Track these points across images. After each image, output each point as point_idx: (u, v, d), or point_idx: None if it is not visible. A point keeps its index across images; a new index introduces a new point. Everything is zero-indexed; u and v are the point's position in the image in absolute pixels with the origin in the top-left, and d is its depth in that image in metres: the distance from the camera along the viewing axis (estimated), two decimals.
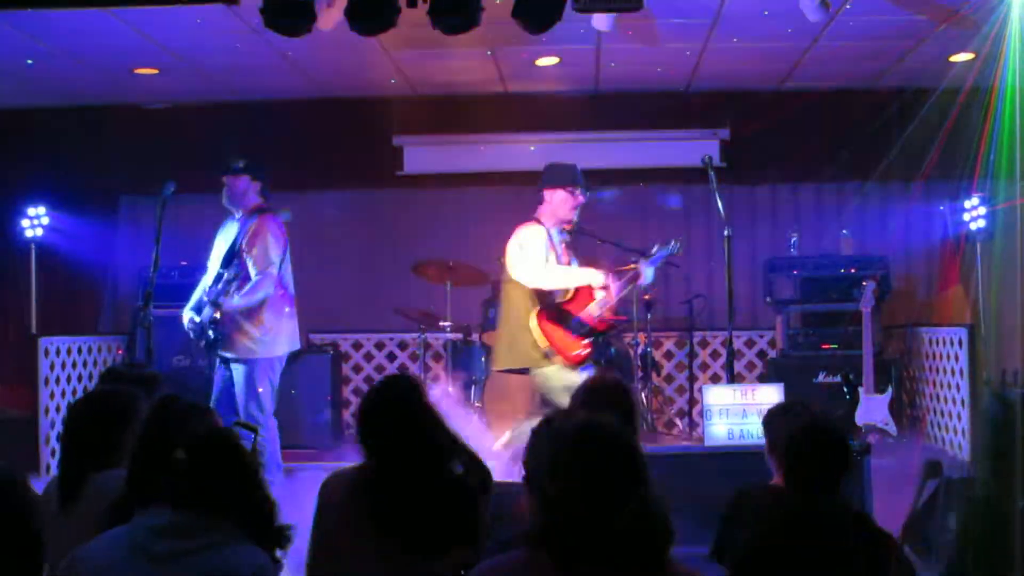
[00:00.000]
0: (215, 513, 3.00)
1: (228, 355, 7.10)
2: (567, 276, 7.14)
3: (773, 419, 4.12)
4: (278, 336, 7.21)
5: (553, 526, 2.47)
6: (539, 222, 7.23)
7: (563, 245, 7.31)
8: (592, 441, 2.53)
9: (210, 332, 7.02)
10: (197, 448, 3.10)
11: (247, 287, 7.03)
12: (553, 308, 7.03)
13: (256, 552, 3.05)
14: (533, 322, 6.93)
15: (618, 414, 3.93)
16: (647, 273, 7.22)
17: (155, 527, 2.97)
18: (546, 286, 7.09)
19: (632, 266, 7.28)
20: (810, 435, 3.81)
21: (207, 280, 7.23)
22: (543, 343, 6.90)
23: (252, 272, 7.07)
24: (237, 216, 7.28)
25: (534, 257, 7.06)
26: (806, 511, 3.60)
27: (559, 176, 7.32)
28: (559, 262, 7.17)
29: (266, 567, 3.06)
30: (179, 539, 2.95)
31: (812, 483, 3.71)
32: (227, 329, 7.06)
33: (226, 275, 7.08)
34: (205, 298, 7.11)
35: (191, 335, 7.19)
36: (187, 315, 7.18)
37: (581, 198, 7.26)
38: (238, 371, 7.10)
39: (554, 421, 2.80)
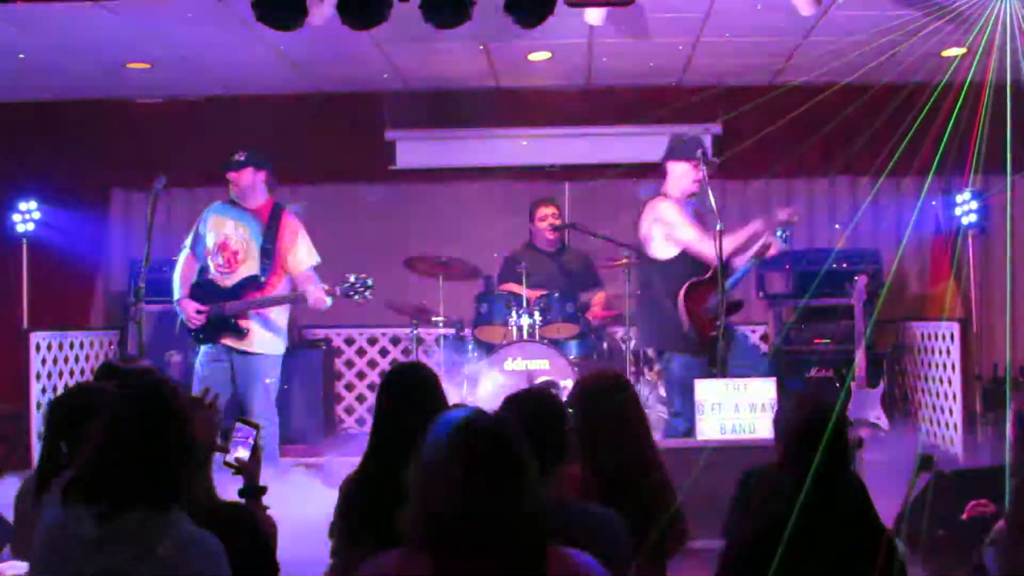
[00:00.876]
0: (145, 489, 2.88)
1: (250, 350, 7.16)
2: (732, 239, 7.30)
3: (781, 411, 4.14)
4: (287, 332, 7.47)
5: (428, 523, 2.42)
6: (666, 196, 7.43)
7: (693, 214, 7.47)
8: (467, 437, 2.46)
9: (233, 324, 7.11)
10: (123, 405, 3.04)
11: (314, 282, 7.33)
12: (694, 287, 7.18)
13: (194, 534, 2.91)
14: (679, 302, 7.07)
15: (613, 410, 3.93)
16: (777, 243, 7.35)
17: (86, 510, 2.85)
18: (705, 250, 7.22)
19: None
20: (811, 419, 3.82)
21: (214, 271, 7.25)
22: (686, 323, 7.01)
23: (294, 267, 7.35)
24: (246, 208, 7.30)
25: (682, 222, 7.33)
26: (810, 491, 3.63)
27: (681, 149, 7.47)
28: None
29: (208, 547, 2.91)
30: (103, 553, 2.81)
31: (806, 473, 3.72)
32: (254, 323, 7.16)
33: (262, 277, 7.19)
34: (211, 287, 7.22)
35: (195, 323, 7.18)
36: (191, 305, 7.18)
37: (703, 170, 7.31)
38: (253, 364, 7.17)
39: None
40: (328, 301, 7.27)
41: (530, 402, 3.52)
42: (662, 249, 7.39)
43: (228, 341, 7.20)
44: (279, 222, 7.34)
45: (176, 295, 7.29)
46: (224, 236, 7.29)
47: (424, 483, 2.45)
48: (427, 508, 2.43)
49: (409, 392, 3.96)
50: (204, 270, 7.37)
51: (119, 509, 2.82)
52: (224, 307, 7.16)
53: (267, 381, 7.24)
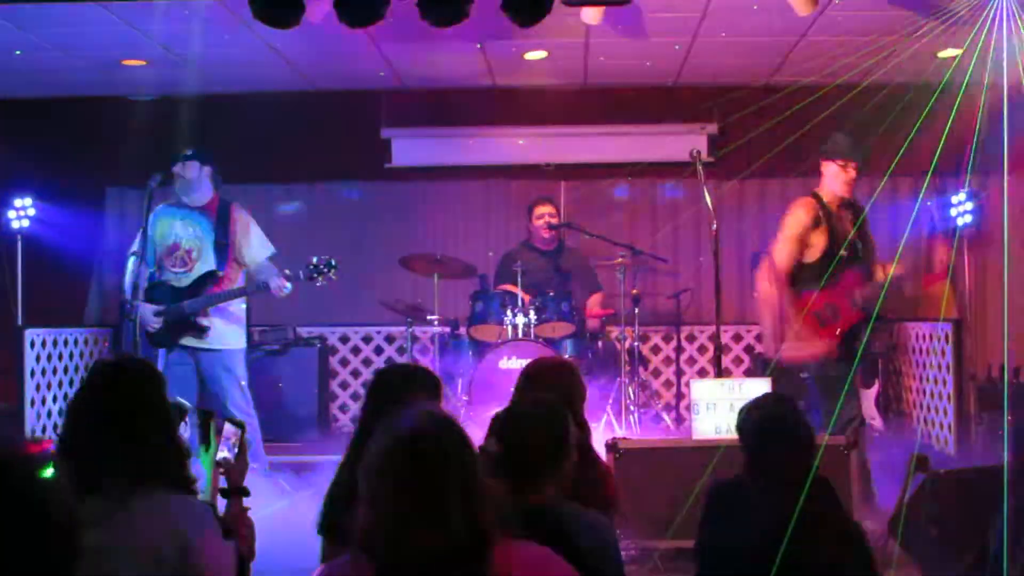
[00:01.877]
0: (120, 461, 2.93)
1: (214, 347, 7.15)
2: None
3: (742, 414, 4.13)
4: (244, 326, 7.48)
5: (373, 530, 2.37)
6: (813, 195, 7.03)
7: (847, 219, 7.01)
8: (414, 444, 2.39)
9: (194, 323, 7.09)
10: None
11: (267, 273, 7.22)
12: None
13: (178, 500, 2.96)
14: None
15: (559, 394, 3.93)
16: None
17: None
18: (778, 262, 6.87)
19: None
20: (766, 427, 3.83)
21: (168, 272, 7.28)
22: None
23: (251, 260, 7.31)
24: (193, 207, 7.29)
25: (783, 237, 6.90)
26: (767, 505, 3.62)
27: (832, 149, 7.15)
28: (835, 237, 6.85)
29: (195, 509, 2.98)
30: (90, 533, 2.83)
31: (770, 476, 3.72)
32: (215, 319, 7.15)
33: (219, 271, 7.18)
34: (168, 289, 7.22)
35: (154, 326, 7.17)
36: (148, 308, 7.17)
37: (852, 173, 7.00)
38: (220, 360, 7.17)
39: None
40: (288, 286, 7.17)
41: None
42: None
43: (189, 341, 7.19)
44: (229, 216, 7.35)
45: (129, 301, 7.21)
46: (174, 238, 7.31)
47: (366, 489, 2.40)
48: (367, 515, 2.38)
49: (393, 395, 3.92)
50: (154, 273, 7.35)
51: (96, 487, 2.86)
52: (183, 306, 7.14)
53: (243, 381, 7.26)
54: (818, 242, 6.86)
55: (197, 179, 7.30)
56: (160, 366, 7.26)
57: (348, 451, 3.93)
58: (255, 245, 7.39)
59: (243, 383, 7.30)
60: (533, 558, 2.55)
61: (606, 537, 3.34)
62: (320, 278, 7.19)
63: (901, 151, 9.18)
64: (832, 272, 6.81)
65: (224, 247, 7.25)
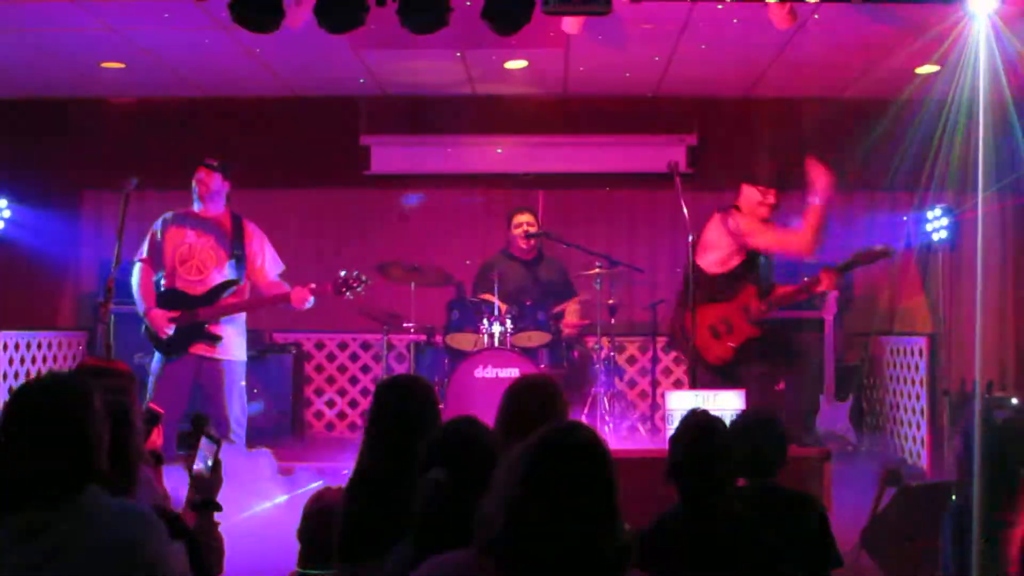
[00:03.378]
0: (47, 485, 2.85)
1: (223, 356, 7.19)
2: None
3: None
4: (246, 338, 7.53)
5: (513, 534, 2.32)
6: (735, 208, 7.56)
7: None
8: (578, 456, 2.39)
9: (207, 332, 7.13)
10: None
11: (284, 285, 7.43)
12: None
13: (117, 503, 2.91)
14: None
15: (541, 410, 3.94)
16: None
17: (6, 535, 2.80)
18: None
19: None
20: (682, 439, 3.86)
21: (183, 280, 7.24)
22: None
23: (266, 276, 7.48)
24: (205, 216, 7.31)
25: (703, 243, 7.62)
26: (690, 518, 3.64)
27: (755, 175, 7.60)
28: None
29: (135, 512, 2.91)
30: (27, 543, 2.77)
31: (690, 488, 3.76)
32: (228, 328, 7.19)
33: (240, 282, 7.34)
34: (181, 295, 7.21)
35: (165, 331, 7.15)
36: (148, 310, 7.17)
37: (772, 199, 7.53)
38: (225, 370, 7.21)
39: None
40: (311, 300, 7.27)
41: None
42: None
43: (199, 350, 7.19)
44: (243, 229, 7.46)
45: (142, 306, 7.27)
46: (187, 246, 7.33)
47: (512, 495, 2.36)
48: (511, 519, 2.34)
49: (402, 407, 3.91)
50: (164, 281, 7.36)
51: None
52: (198, 313, 7.16)
53: (242, 384, 7.29)
54: (724, 254, 7.21)
55: (218, 191, 7.39)
56: (154, 370, 7.29)
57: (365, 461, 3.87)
58: (268, 261, 7.53)
59: (244, 392, 7.35)
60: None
61: None
62: (349, 293, 7.28)
63: (872, 166, 9.26)
64: (731, 286, 7.07)
65: (241, 259, 7.36)
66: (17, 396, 2.96)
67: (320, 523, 3.99)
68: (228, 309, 7.27)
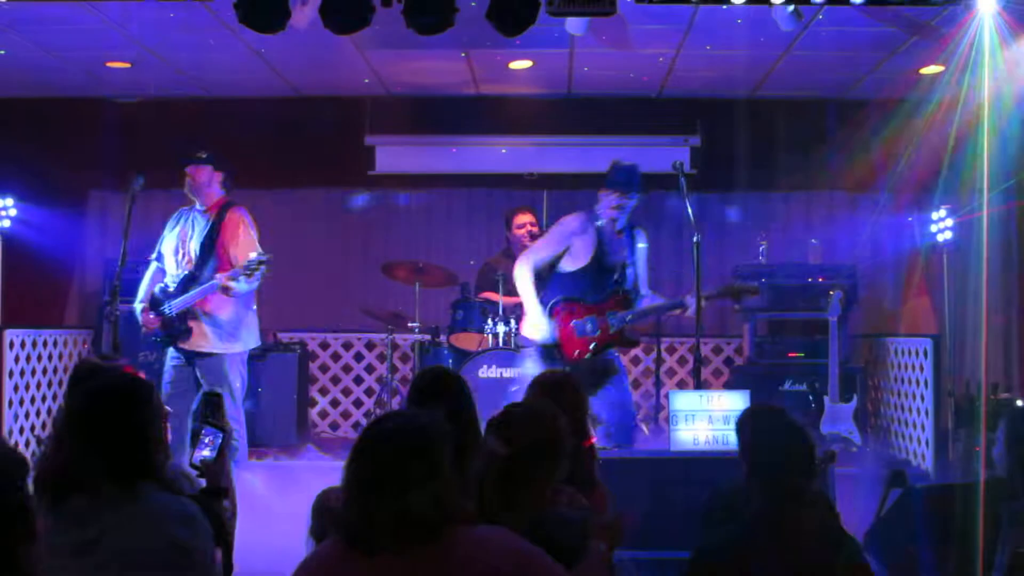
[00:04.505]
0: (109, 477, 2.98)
1: (201, 349, 7.10)
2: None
3: (744, 422, 4.13)
4: (250, 329, 7.32)
5: (351, 514, 2.67)
6: (589, 212, 7.31)
7: (622, 243, 7.29)
8: (382, 432, 2.75)
9: (178, 325, 7.06)
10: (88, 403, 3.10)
11: (246, 276, 6.97)
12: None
13: (171, 499, 3.03)
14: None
15: (562, 408, 3.97)
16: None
17: (64, 518, 2.96)
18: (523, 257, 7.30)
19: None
20: (777, 438, 3.83)
21: (171, 275, 7.20)
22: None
23: (235, 261, 7.08)
24: (200, 209, 7.28)
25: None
26: (771, 513, 3.63)
27: (613, 179, 7.29)
28: (600, 255, 7.17)
29: (186, 511, 3.04)
30: (84, 526, 2.93)
31: (776, 486, 3.72)
32: (197, 323, 7.10)
33: (203, 274, 7.13)
34: (163, 291, 7.14)
35: (150, 327, 7.15)
36: (140, 307, 7.16)
37: (628, 202, 7.24)
38: (210, 366, 7.09)
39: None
40: (233, 284, 6.93)
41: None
42: None
43: (181, 344, 7.14)
44: (223, 216, 7.24)
45: (137, 302, 7.24)
46: (179, 240, 7.27)
47: (346, 478, 2.73)
48: (348, 501, 2.70)
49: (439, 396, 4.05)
50: (163, 275, 7.31)
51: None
52: (163, 309, 7.11)
53: (236, 385, 7.19)
54: (580, 253, 7.11)
55: (207, 183, 7.25)
56: (165, 368, 7.25)
57: None
58: (241, 246, 7.16)
59: (235, 388, 7.19)
60: (488, 539, 2.75)
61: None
62: (249, 275, 6.93)
63: (877, 166, 9.26)
64: (601, 288, 7.07)
65: (210, 247, 7.14)
66: (82, 393, 3.07)
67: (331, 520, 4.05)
68: (185, 302, 7.04)
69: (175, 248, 7.27)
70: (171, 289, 7.14)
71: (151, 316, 7.12)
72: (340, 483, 2.72)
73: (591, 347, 7.06)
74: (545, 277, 7.23)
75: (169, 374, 7.19)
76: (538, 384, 4.54)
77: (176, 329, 7.10)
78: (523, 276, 7.10)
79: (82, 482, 2.98)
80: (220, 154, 7.42)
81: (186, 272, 7.17)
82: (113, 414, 3.08)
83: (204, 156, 7.28)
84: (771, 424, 3.90)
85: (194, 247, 7.21)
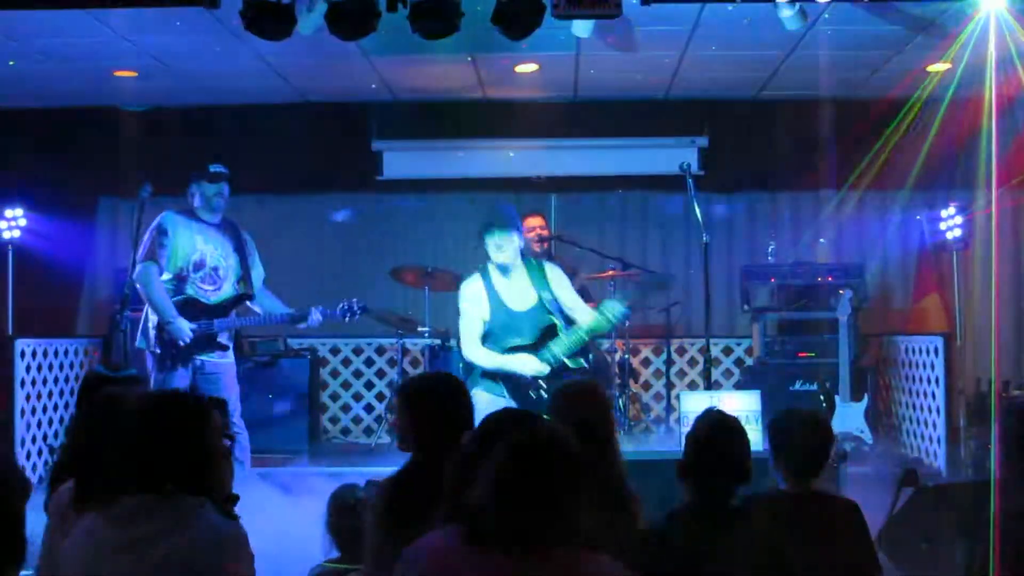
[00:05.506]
0: (170, 484, 3.04)
1: (224, 360, 7.16)
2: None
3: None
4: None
5: (494, 512, 2.74)
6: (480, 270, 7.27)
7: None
8: (541, 440, 2.84)
9: (217, 339, 7.15)
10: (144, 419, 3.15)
11: (269, 297, 7.45)
12: None
13: (224, 522, 3.09)
14: None
15: (591, 415, 3.97)
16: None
17: (115, 515, 3.01)
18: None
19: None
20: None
21: (193, 287, 7.19)
22: None
23: (257, 283, 7.40)
24: (212, 222, 7.25)
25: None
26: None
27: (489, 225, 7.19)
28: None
29: (238, 536, 3.10)
30: (137, 524, 2.98)
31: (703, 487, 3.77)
32: (229, 339, 7.21)
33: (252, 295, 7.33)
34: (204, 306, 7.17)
35: (187, 342, 7.09)
36: (179, 322, 7.05)
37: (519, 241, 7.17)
38: (223, 374, 7.16)
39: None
40: (320, 319, 7.35)
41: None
42: None
43: (206, 357, 7.14)
44: (240, 238, 7.41)
45: (167, 315, 7.01)
46: (200, 254, 7.20)
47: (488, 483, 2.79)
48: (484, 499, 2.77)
49: (441, 403, 4.04)
50: (173, 284, 7.18)
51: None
52: (214, 323, 7.11)
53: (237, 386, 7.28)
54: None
55: (226, 201, 7.33)
56: (155, 379, 7.23)
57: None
58: (258, 269, 7.47)
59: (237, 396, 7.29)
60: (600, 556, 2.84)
61: None
62: (348, 318, 7.53)
63: (885, 165, 9.25)
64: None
65: (247, 272, 7.34)
66: (145, 408, 3.19)
67: (345, 516, 4.23)
68: (248, 323, 7.34)
69: (197, 262, 7.19)
70: (210, 302, 7.15)
71: (190, 329, 7.08)
72: (481, 481, 2.80)
73: None
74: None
75: (160, 378, 7.15)
76: (562, 395, 4.49)
77: (213, 345, 7.16)
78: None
79: (134, 487, 3.04)
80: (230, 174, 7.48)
81: (214, 289, 7.22)
82: (185, 430, 3.15)
83: (227, 173, 7.31)
84: (701, 423, 3.95)
85: (227, 266, 7.27)
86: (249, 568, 3.12)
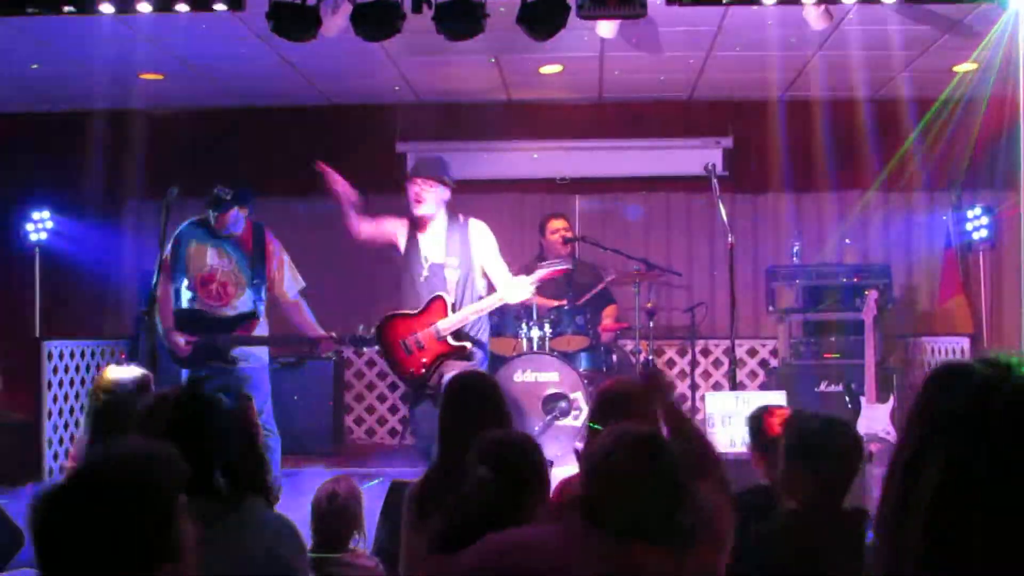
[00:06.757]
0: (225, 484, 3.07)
1: (254, 364, 7.13)
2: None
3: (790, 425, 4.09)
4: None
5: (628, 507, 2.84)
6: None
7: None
8: (660, 444, 2.99)
9: (223, 352, 7.11)
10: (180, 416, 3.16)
11: (299, 312, 7.42)
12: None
13: (282, 517, 3.17)
14: None
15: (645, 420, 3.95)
16: None
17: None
18: None
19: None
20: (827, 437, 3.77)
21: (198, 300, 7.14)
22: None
23: (286, 295, 7.32)
24: (224, 236, 7.13)
25: None
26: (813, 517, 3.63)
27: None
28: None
29: (294, 532, 3.16)
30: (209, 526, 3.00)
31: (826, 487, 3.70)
32: (242, 351, 7.17)
33: (258, 312, 7.22)
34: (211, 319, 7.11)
35: (183, 354, 7.04)
36: (178, 338, 7.02)
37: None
38: (254, 375, 7.08)
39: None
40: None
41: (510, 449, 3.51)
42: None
43: (217, 365, 7.10)
44: (264, 249, 7.21)
45: (160, 327, 6.95)
46: (209, 267, 7.10)
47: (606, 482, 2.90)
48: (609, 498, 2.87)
49: (477, 402, 4.10)
50: (184, 295, 7.15)
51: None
52: (216, 339, 7.03)
53: (267, 395, 7.20)
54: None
55: (234, 222, 7.09)
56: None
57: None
58: (288, 280, 7.31)
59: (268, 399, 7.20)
60: None
61: None
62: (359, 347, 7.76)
63: (896, 162, 9.21)
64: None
65: (261, 285, 7.15)
66: (184, 407, 3.19)
67: (332, 513, 4.37)
68: (247, 341, 7.09)
69: (204, 276, 7.11)
70: (216, 316, 7.06)
71: (186, 342, 7.01)
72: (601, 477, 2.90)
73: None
74: None
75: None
76: (605, 399, 4.30)
77: (219, 357, 7.09)
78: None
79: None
80: (241, 190, 7.19)
81: (220, 304, 7.10)
82: (231, 430, 3.20)
83: (229, 199, 7.01)
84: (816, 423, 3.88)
85: (238, 279, 7.13)
86: (301, 558, 3.20)
